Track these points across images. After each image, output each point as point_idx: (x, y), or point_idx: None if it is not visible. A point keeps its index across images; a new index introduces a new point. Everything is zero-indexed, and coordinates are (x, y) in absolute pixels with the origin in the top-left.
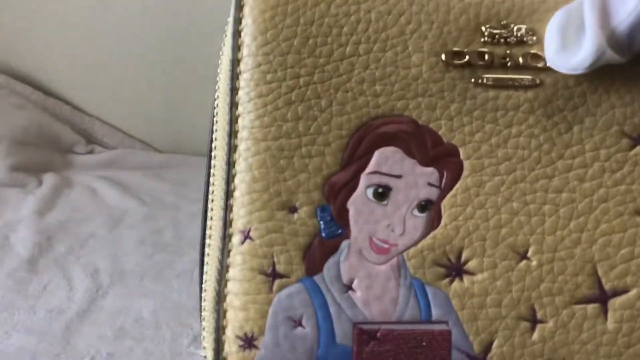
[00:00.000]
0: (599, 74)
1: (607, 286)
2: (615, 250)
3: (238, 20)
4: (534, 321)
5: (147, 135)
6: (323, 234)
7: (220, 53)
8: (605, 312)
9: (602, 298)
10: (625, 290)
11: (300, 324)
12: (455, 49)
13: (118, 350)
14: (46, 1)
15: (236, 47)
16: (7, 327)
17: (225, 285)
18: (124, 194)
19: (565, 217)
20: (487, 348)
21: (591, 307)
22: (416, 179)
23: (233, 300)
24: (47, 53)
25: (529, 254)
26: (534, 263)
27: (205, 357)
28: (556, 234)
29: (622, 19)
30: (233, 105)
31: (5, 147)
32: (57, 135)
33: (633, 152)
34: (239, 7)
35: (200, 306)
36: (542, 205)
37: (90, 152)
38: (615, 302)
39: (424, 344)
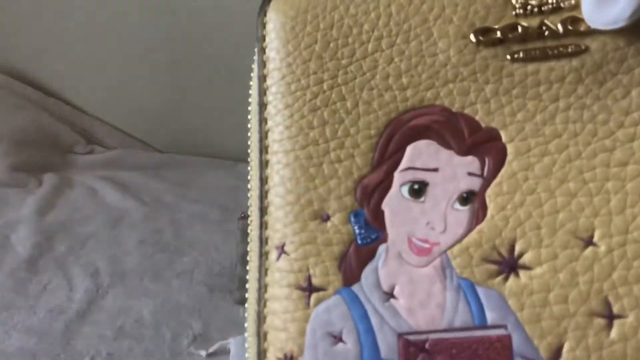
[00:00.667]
0: None
1: None
2: None
3: (262, 38)
4: (610, 317)
5: (147, 135)
6: (358, 240)
7: (252, 73)
8: None
9: None
10: None
11: (340, 340)
12: (484, 26)
13: (118, 350)
14: (46, 1)
15: (262, 64)
16: (7, 327)
17: (265, 305)
18: (124, 194)
19: (634, 193)
20: (557, 353)
21: None
22: (454, 170)
23: (273, 321)
24: (47, 53)
25: (594, 239)
26: (602, 248)
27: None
28: (625, 212)
29: None
30: (262, 120)
31: (5, 147)
32: (57, 135)
33: None
34: (262, 25)
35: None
36: (604, 182)
37: (90, 152)
38: None
39: (480, 352)
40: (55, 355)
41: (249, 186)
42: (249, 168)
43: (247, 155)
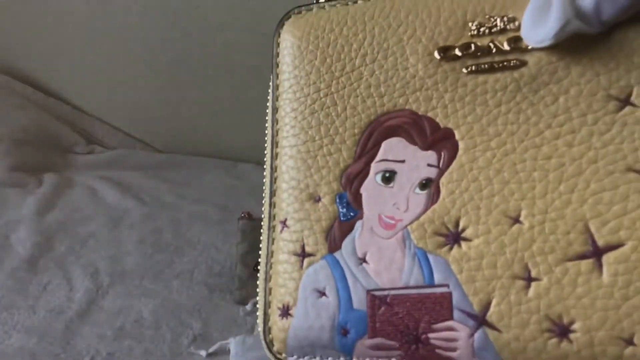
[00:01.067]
0: (582, 47)
1: (600, 242)
2: (608, 207)
3: (277, 54)
4: (528, 279)
5: (147, 135)
6: (341, 217)
7: (270, 84)
8: (600, 266)
9: (596, 253)
10: (620, 245)
11: (324, 294)
12: (446, 45)
13: (118, 350)
14: (46, 1)
15: (275, 75)
16: (7, 327)
17: (271, 267)
18: (124, 194)
19: (554, 181)
20: (486, 307)
21: (585, 263)
22: (417, 162)
23: (277, 279)
24: (47, 53)
25: (520, 218)
26: (526, 225)
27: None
28: (546, 197)
29: None
30: (274, 121)
31: (5, 147)
32: (57, 135)
33: (621, 113)
34: (277, 44)
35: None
36: (532, 172)
37: (90, 152)
38: (610, 257)
39: (427, 305)
40: (55, 355)
41: (264, 173)
42: (265, 159)
43: (247, 155)
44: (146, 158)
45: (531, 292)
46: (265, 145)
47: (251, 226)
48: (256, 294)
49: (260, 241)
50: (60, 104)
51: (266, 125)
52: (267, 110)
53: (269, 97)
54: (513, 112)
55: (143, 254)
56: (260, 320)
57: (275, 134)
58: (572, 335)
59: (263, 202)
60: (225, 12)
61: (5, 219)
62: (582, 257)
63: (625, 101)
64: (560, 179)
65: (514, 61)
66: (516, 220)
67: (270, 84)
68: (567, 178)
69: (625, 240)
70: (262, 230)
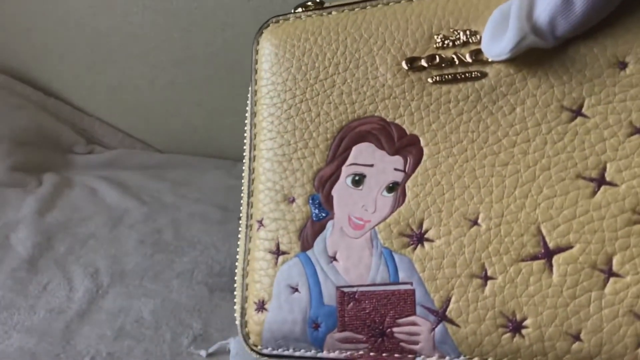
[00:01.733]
0: (538, 60)
1: (551, 244)
2: (558, 212)
3: (255, 61)
4: (485, 278)
5: (147, 135)
6: (313, 217)
7: (249, 89)
8: (550, 267)
9: (547, 255)
10: (568, 247)
11: (297, 290)
12: (412, 56)
13: (118, 350)
14: (46, 1)
15: (254, 81)
16: (7, 327)
17: (248, 264)
18: (124, 194)
19: (510, 186)
20: (446, 303)
21: (536, 264)
22: (385, 166)
23: (253, 276)
24: (47, 53)
25: (479, 220)
26: (483, 227)
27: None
28: (502, 201)
29: (542, 8)
30: (252, 125)
31: (5, 147)
32: (57, 135)
33: (573, 123)
34: (256, 51)
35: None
36: (490, 177)
37: (90, 152)
38: (559, 258)
39: (392, 301)
40: (55, 355)
41: (242, 174)
42: (244, 161)
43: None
44: (146, 158)
45: (487, 290)
46: (244, 147)
47: None
48: None
49: None
50: (60, 104)
51: (245, 128)
52: (247, 115)
53: (247, 102)
54: (474, 120)
55: (143, 254)
56: (237, 314)
57: (253, 137)
58: (524, 331)
59: (241, 202)
60: (225, 12)
61: (5, 219)
62: (534, 258)
63: (577, 112)
64: (516, 184)
65: (475, 73)
66: (475, 222)
67: (250, 89)
68: (521, 184)
69: (574, 243)
70: (239, 229)
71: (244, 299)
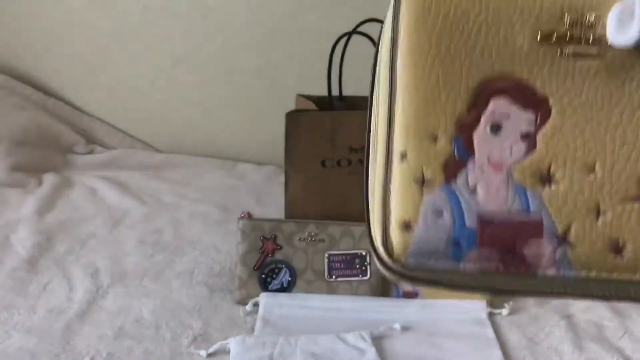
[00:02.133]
0: None
1: None
2: None
3: (398, 12)
4: (597, 212)
5: (147, 135)
6: (456, 155)
7: (380, 33)
8: None
9: None
10: None
11: (442, 215)
12: (545, 30)
13: (118, 350)
14: (46, 1)
15: (396, 29)
16: (7, 327)
17: (390, 190)
18: (124, 194)
19: (620, 143)
20: (567, 230)
21: (637, 204)
22: (519, 118)
23: (397, 200)
24: (47, 53)
25: (595, 168)
26: (599, 174)
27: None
28: (614, 154)
29: None
30: (393, 70)
31: (5, 147)
32: (57, 135)
33: None
34: (397, 10)
35: (367, 209)
36: (604, 135)
37: (90, 152)
38: None
39: (524, 228)
40: (55, 355)
41: (374, 113)
42: (373, 100)
43: (247, 155)
44: (146, 158)
45: (600, 221)
46: (374, 93)
47: (251, 226)
48: (256, 294)
49: (259, 241)
50: (60, 104)
51: (376, 70)
52: (379, 56)
53: (380, 46)
54: (592, 89)
55: (143, 254)
56: (376, 234)
57: (394, 82)
58: (623, 252)
59: (372, 134)
60: (225, 12)
61: (5, 219)
62: (635, 199)
63: None
64: (624, 142)
65: (597, 52)
66: (592, 169)
67: (386, 34)
68: (628, 142)
69: None
70: (370, 160)
71: (386, 219)
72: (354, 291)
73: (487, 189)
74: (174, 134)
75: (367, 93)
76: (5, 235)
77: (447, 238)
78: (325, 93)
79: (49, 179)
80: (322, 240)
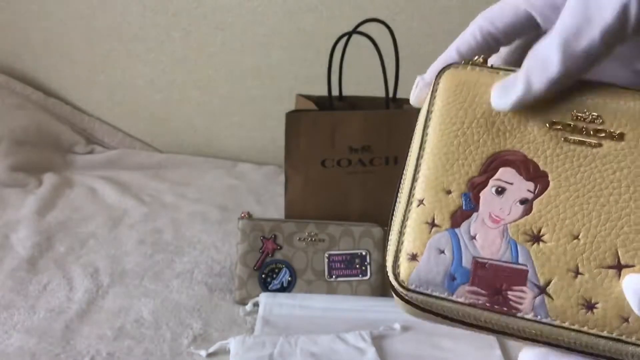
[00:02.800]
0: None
1: (622, 261)
2: (631, 243)
3: (435, 90)
4: (576, 273)
5: (147, 135)
6: (464, 207)
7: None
8: (619, 276)
9: (619, 267)
10: (632, 265)
11: (443, 252)
12: (554, 120)
13: (118, 350)
14: (46, 1)
15: (432, 103)
16: (7, 327)
17: (405, 227)
18: (124, 194)
19: (604, 220)
20: (548, 282)
21: (611, 271)
22: (521, 186)
23: (409, 236)
24: (47, 53)
25: (579, 236)
26: (581, 242)
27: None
28: (597, 228)
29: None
30: (424, 134)
31: (5, 147)
32: (57, 135)
33: None
34: (437, 83)
35: (386, 244)
36: (591, 211)
37: (90, 152)
38: (626, 271)
39: (511, 274)
40: (55, 355)
41: (407, 167)
42: (409, 157)
43: (247, 155)
44: (146, 158)
45: (577, 281)
46: (410, 148)
47: (251, 226)
48: (256, 294)
49: (259, 241)
50: (60, 104)
51: (415, 132)
52: (418, 122)
53: (421, 115)
54: (587, 172)
55: (143, 254)
56: (389, 261)
57: (423, 142)
58: (594, 310)
59: (400, 185)
60: (225, 12)
61: (5, 219)
62: (610, 267)
63: None
64: (607, 220)
65: (595, 143)
66: (576, 237)
67: (426, 107)
68: (611, 220)
69: (637, 264)
70: (395, 205)
71: (398, 250)
72: (354, 291)
73: (484, 238)
74: (174, 134)
75: (367, 93)
76: (5, 235)
77: (444, 271)
78: (325, 93)
79: (49, 179)
80: (322, 240)
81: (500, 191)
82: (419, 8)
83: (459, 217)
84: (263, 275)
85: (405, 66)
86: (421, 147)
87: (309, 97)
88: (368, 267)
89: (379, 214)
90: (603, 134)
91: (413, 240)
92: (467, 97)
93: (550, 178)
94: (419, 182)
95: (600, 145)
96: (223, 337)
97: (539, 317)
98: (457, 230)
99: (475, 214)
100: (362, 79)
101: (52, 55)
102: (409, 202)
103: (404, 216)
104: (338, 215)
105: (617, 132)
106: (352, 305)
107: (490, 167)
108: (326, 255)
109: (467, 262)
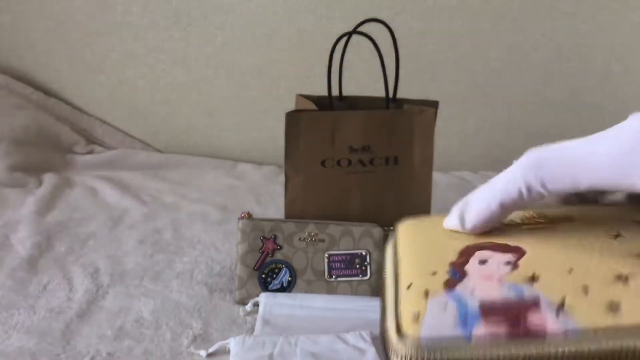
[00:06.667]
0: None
1: (624, 271)
2: (623, 264)
3: (397, 241)
4: (586, 290)
5: (147, 135)
6: (454, 278)
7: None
8: (627, 281)
9: (624, 277)
10: (637, 273)
11: (446, 307)
12: (513, 220)
13: (118, 350)
14: (46, 1)
15: (397, 244)
16: (7, 327)
17: (399, 306)
18: (124, 194)
19: (588, 259)
20: (562, 302)
21: (619, 281)
22: (501, 257)
23: (405, 308)
24: (47, 53)
25: (573, 270)
26: (578, 272)
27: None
28: (587, 262)
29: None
30: (396, 254)
31: (5, 147)
32: (57, 135)
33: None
34: (395, 243)
35: (382, 325)
36: (565, 261)
37: (90, 152)
38: (633, 276)
39: (523, 306)
40: (55, 355)
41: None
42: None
43: (247, 155)
44: (146, 158)
45: (590, 294)
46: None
47: (251, 226)
48: (256, 294)
49: (259, 241)
50: (60, 104)
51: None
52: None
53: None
54: (552, 240)
55: (143, 254)
56: (391, 331)
57: (396, 253)
58: (620, 309)
59: (384, 273)
60: (225, 12)
61: (5, 219)
62: (617, 278)
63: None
64: (591, 258)
65: (546, 225)
66: (570, 271)
67: (389, 249)
68: (594, 258)
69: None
70: (386, 290)
71: (399, 318)
72: (354, 291)
73: (483, 290)
74: (174, 134)
75: (367, 93)
76: (5, 235)
77: (454, 318)
78: (325, 93)
79: (49, 179)
80: (322, 240)
81: (483, 262)
82: (419, 8)
83: (451, 285)
84: (263, 275)
85: (405, 66)
86: (395, 256)
87: (309, 97)
88: (368, 267)
89: (379, 214)
90: (555, 221)
91: (411, 308)
92: (427, 226)
93: (524, 249)
94: (401, 277)
95: (552, 225)
96: (223, 337)
97: (569, 327)
98: (453, 292)
99: (466, 279)
100: (362, 79)
101: (52, 55)
102: (396, 289)
103: (396, 300)
104: (338, 215)
105: (566, 215)
106: (352, 305)
107: (466, 252)
108: (326, 255)
109: (473, 308)
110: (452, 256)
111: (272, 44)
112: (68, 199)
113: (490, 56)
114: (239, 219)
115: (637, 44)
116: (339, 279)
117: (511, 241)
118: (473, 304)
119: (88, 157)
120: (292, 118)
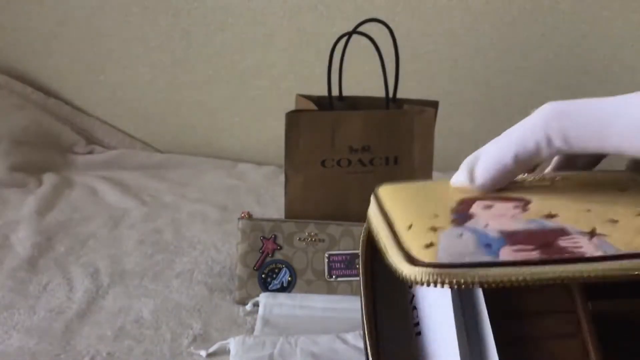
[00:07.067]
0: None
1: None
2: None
3: (379, 203)
4: (614, 221)
5: (147, 135)
6: (459, 219)
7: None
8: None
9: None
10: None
11: (462, 236)
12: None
13: (118, 350)
14: (46, 1)
15: (380, 207)
16: (7, 327)
17: (403, 243)
18: (124, 194)
19: (601, 201)
20: (593, 230)
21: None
22: (504, 204)
23: (413, 240)
24: (47, 53)
25: (591, 210)
26: (599, 209)
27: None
28: (603, 202)
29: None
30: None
31: (5, 147)
32: (57, 135)
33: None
34: (379, 202)
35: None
36: (585, 201)
37: (90, 152)
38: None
39: (549, 232)
40: (55, 355)
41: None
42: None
43: (247, 155)
44: (146, 158)
45: (619, 224)
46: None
47: (251, 226)
48: (256, 294)
49: (259, 241)
50: (60, 104)
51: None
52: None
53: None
54: (554, 190)
55: (143, 254)
56: (399, 257)
57: (382, 209)
58: None
59: (369, 225)
60: (225, 12)
61: (5, 219)
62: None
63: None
64: (604, 201)
65: (547, 184)
66: (589, 210)
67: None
68: (605, 201)
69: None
70: (379, 234)
71: (408, 254)
72: (354, 291)
73: (500, 224)
74: (174, 134)
75: (367, 93)
76: (5, 235)
77: (475, 243)
78: (325, 93)
79: (49, 179)
80: (322, 240)
81: (488, 207)
82: (419, 8)
83: (460, 222)
84: (263, 275)
85: (405, 66)
86: (385, 216)
87: (309, 97)
88: None
89: None
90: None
91: (420, 241)
92: (415, 186)
93: (527, 198)
94: (397, 222)
95: (555, 182)
96: (223, 337)
97: (606, 247)
98: (464, 226)
99: (475, 218)
100: (362, 79)
101: (52, 55)
102: (395, 234)
103: (397, 239)
104: (338, 215)
105: (566, 177)
106: (352, 305)
107: (465, 202)
108: (326, 255)
109: (495, 235)
110: (451, 205)
111: (272, 44)
112: (68, 199)
113: (490, 56)
114: (239, 219)
115: (637, 44)
116: (339, 279)
117: (514, 195)
118: (493, 234)
119: (88, 157)
120: (292, 118)
